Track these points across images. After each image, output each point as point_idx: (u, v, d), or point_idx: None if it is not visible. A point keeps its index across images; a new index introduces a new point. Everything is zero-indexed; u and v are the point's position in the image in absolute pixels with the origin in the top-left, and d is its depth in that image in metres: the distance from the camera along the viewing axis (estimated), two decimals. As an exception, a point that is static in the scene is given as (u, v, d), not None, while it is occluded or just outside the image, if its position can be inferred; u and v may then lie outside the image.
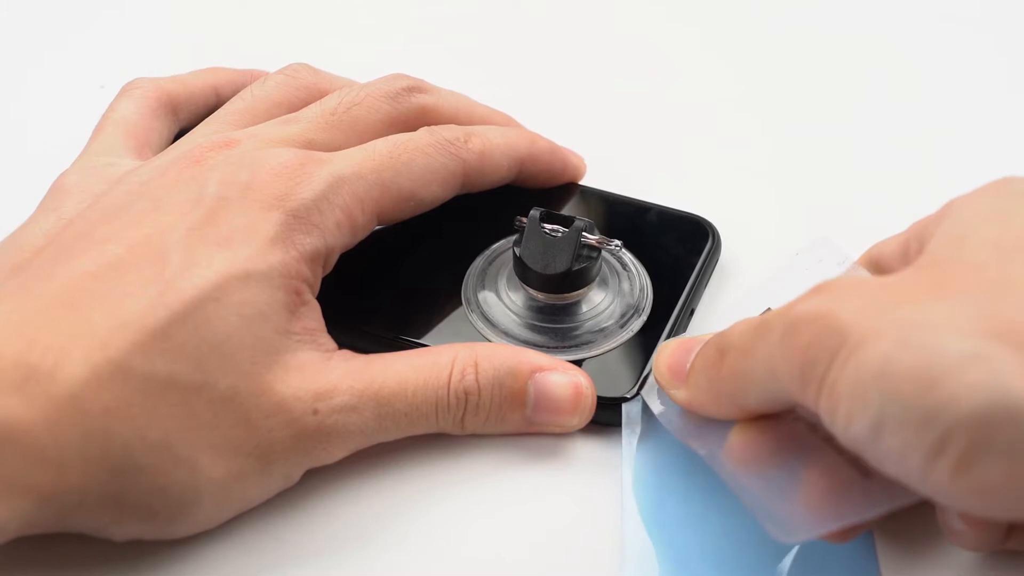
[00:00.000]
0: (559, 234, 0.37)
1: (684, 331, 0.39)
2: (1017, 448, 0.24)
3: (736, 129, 0.48)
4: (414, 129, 0.37)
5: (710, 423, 0.32)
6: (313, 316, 0.33)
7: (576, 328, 0.38)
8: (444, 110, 0.38)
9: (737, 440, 0.31)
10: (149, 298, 0.30)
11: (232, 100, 0.38)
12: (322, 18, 0.55)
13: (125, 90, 0.40)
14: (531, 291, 0.38)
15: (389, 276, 0.39)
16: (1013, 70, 0.50)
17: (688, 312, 0.39)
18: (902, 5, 0.54)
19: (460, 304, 0.38)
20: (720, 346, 0.31)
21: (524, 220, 0.38)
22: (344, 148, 0.36)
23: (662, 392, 0.34)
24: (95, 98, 0.50)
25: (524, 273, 0.38)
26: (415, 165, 0.35)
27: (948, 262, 0.28)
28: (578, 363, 0.37)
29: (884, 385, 0.25)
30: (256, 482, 0.32)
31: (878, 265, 0.34)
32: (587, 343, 0.37)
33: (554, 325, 0.38)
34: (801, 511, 0.29)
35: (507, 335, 0.37)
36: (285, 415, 0.31)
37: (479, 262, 0.39)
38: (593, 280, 0.38)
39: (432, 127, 0.37)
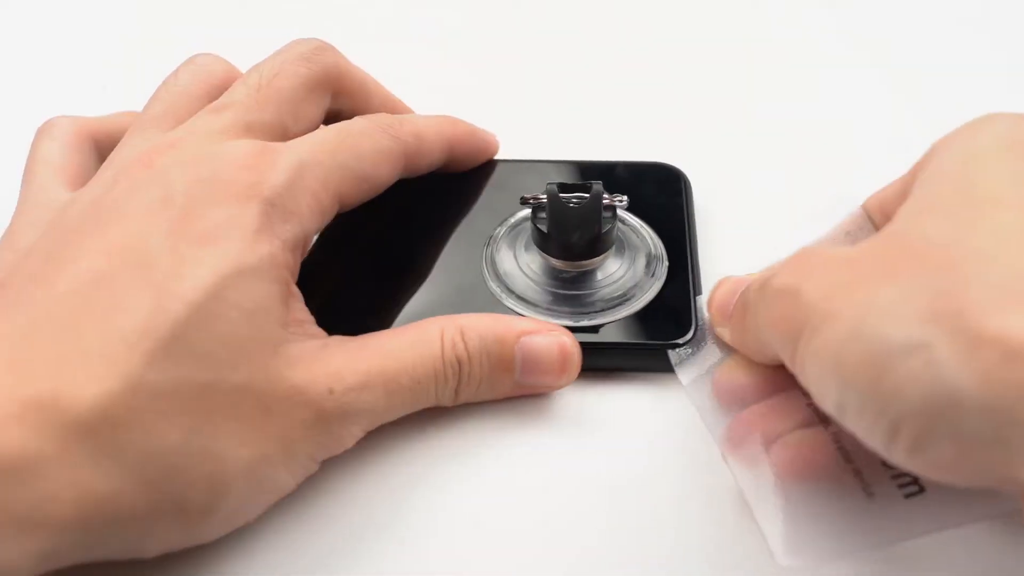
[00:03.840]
0: (578, 202, 0.37)
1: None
2: (962, 433, 0.24)
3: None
4: (333, 92, 0.38)
5: (721, 412, 0.33)
6: (300, 305, 0.33)
7: (611, 288, 0.38)
8: (353, 71, 0.39)
9: (720, 375, 0.33)
10: (146, 307, 0.30)
11: (148, 105, 0.37)
12: (322, 17, 0.55)
13: (42, 131, 0.39)
14: (557, 263, 0.39)
15: (396, 277, 0.39)
16: (1013, 70, 0.50)
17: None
18: (902, 5, 0.54)
19: (486, 290, 0.38)
20: (743, 298, 0.33)
21: (533, 198, 0.38)
22: (278, 123, 0.36)
23: (689, 367, 0.34)
24: (96, 99, 0.51)
25: (552, 246, 0.38)
26: (364, 148, 0.36)
27: (905, 236, 0.28)
28: (629, 320, 0.37)
29: (839, 374, 0.26)
30: (282, 464, 0.31)
31: (879, 211, 0.35)
32: (627, 299, 0.38)
33: (590, 291, 0.38)
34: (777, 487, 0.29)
35: (553, 318, 0.37)
36: (302, 397, 0.31)
37: (486, 253, 0.40)
38: (614, 240, 0.39)
39: (365, 115, 0.38)
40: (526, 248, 0.40)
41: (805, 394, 0.30)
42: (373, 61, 0.43)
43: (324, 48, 0.38)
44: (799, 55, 0.52)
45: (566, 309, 0.38)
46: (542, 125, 0.48)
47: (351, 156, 0.35)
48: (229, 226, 0.32)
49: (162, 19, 0.55)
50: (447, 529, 0.33)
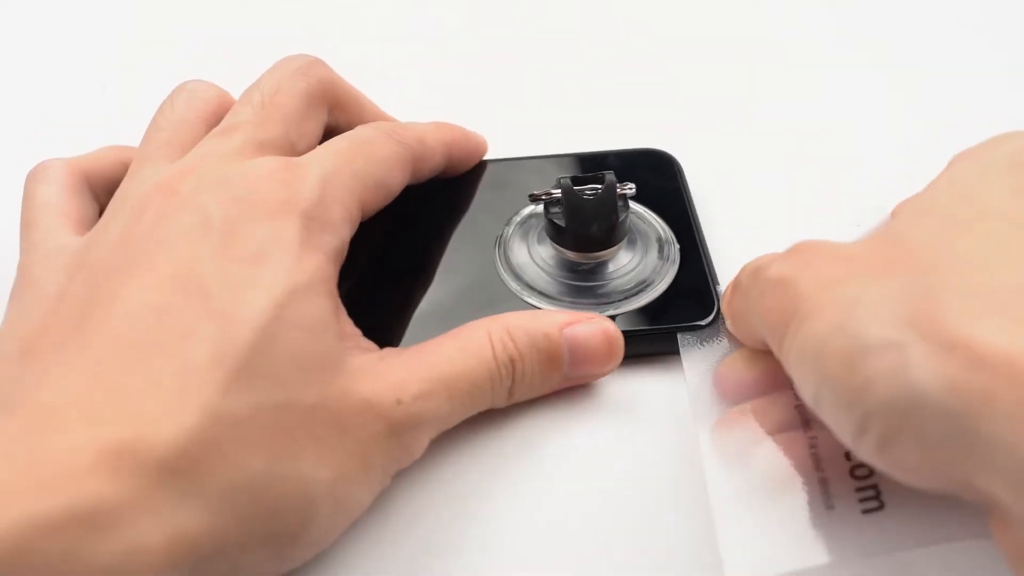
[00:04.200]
0: (592, 193, 0.37)
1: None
2: (926, 435, 0.25)
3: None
4: (329, 106, 0.38)
5: (714, 405, 0.33)
6: (347, 317, 0.33)
7: (629, 275, 0.39)
8: (346, 84, 0.39)
9: (723, 367, 0.33)
10: (211, 335, 0.29)
11: (148, 136, 0.36)
12: (321, 17, 0.55)
13: (35, 176, 0.37)
14: (573, 256, 0.39)
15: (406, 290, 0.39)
16: (1013, 70, 0.50)
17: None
18: (902, 4, 0.54)
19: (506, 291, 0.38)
20: (736, 280, 0.33)
21: (545, 194, 0.38)
22: (286, 139, 0.35)
23: (695, 356, 0.35)
24: (96, 99, 0.51)
25: (568, 240, 0.38)
26: (376, 155, 0.35)
27: (900, 236, 0.28)
28: (652, 305, 0.38)
29: (819, 364, 0.27)
30: (362, 480, 0.31)
31: None
32: (647, 284, 0.38)
33: (608, 280, 0.38)
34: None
35: (579, 308, 0.37)
36: (373, 411, 0.31)
37: (499, 255, 0.40)
38: (628, 228, 0.39)
39: (368, 124, 0.38)
40: (539, 243, 0.40)
41: (797, 396, 0.30)
42: (370, 61, 0.43)
43: (317, 62, 0.38)
44: (799, 55, 0.52)
45: (587, 301, 0.38)
46: (541, 123, 0.48)
47: (368, 163, 0.35)
48: (274, 243, 0.31)
49: (162, 19, 0.55)
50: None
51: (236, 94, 0.50)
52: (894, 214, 0.35)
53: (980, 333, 0.24)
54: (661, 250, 0.39)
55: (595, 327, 0.35)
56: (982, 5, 0.54)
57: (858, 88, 0.50)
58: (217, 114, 0.37)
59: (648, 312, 0.37)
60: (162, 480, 0.27)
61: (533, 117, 0.49)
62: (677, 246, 0.39)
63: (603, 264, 0.39)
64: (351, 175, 0.34)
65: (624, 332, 0.36)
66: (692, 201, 0.42)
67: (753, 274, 0.31)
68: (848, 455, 0.29)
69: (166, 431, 0.27)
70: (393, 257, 0.39)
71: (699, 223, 0.41)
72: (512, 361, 0.34)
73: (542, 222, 0.40)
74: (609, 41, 0.54)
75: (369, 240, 0.39)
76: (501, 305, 0.38)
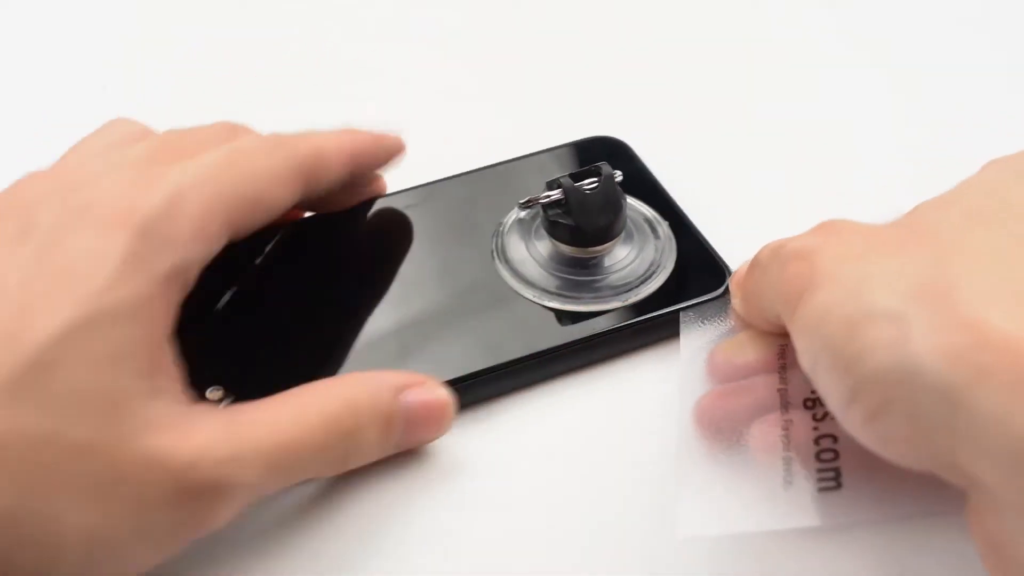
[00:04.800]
0: (592, 187, 0.38)
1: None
2: (917, 408, 0.25)
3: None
4: None
5: (700, 383, 0.34)
6: (170, 355, 0.30)
7: (639, 260, 0.39)
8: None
9: (718, 349, 0.33)
10: None
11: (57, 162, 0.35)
12: (321, 18, 0.55)
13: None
14: (582, 251, 0.39)
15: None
16: (1013, 70, 0.50)
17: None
18: (901, 4, 0.54)
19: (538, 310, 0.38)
20: (754, 260, 0.33)
21: (536, 200, 0.38)
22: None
23: (694, 334, 0.35)
24: (96, 99, 0.51)
25: (578, 236, 0.38)
26: (254, 169, 0.33)
27: (924, 223, 0.29)
28: (670, 284, 0.38)
29: (822, 329, 0.27)
30: (133, 539, 0.28)
31: None
32: (659, 266, 0.39)
33: (622, 268, 0.39)
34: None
35: (602, 302, 0.38)
36: (160, 467, 0.28)
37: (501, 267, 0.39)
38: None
39: (253, 134, 0.36)
40: (539, 246, 0.39)
41: (782, 380, 0.32)
42: (369, 61, 0.43)
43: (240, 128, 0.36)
44: (798, 55, 0.52)
45: (610, 292, 0.38)
46: (541, 119, 0.48)
47: (241, 177, 0.32)
48: (92, 259, 0.29)
49: (162, 19, 0.55)
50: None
51: (237, 94, 0.51)
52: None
53: (986, 316, 0.24)
54: (654, 230, 0.40)
55: (429, 393, 0.33)
56: (982, 5, 0.54)
57: (858, 88, 0.50)
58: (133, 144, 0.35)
59: (664, 294, 0.38)
60: None
61: (538, 113, 0.49)
62: (666, 223, 0.40)
63: (610, 254, 0.39)
64: (215, 190, 0.31)
65: (654, 318, 0.37)
66: (659, 180, 0.42)
67: (775, 250, 0.31)
68: (817, 440, 0.30)
69: None
70: (390, 291, 0.39)
71: (674, 199, 0.41)
72: (348, 433, 0.31)
73: (530, 229, 0.40)
74: (599, 39, 0.54)
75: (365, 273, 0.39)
76: (519, 313, 0.38)
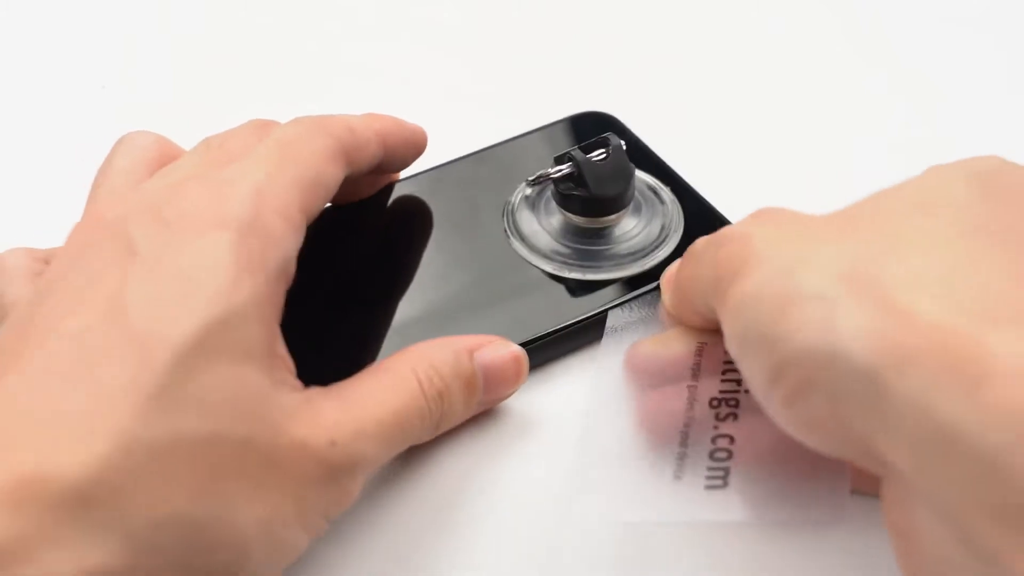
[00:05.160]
0: (601, 157, 0.39)
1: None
2: (835, 392, 0.25)
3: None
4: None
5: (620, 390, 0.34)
6: (282, 349, 0.31)
7: (653, 225, 0.40)
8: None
9: (640, 344, 0.34)
10: (129, 359, 0.27)
11: (91, 193, 0.35)
12: (321, 18, 0.55)
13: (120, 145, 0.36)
14: (597, 221, 0.40)
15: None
16: (1013, 70, 0.50)
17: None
18: (902, 4, 0.54)
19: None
20: (688, 251, 0.33)
21: (546, 175, 0.39)
22: None
23: (611, 339, 0.36)
24: (96, 98, 0.51)
25: (593, 207, 0.39)
26: (305, 153, 0.33)
27: (858, 214, 0.29)
28: (681, 246, 0.39)
29: (750, 308, 0.27)
30: (298, 523, 0.29)
31: None
32: (671, 231, 0.40)
33: (634, 237, 0.40)
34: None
35: (622, 268, 0.39)
36: (308, 451, 0.29)
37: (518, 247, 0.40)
38: None
39: (288, 121, 0.36)
40: (558, 224, 0.40)
41: (694, 377, 0.33)
42: (369, 59, 0.43)
43: (271, 123, 0.36)
44: (799, 55, 0.52)
45: (628, 258, 0.39)
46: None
47: (299, 164, 0.33)
48: (205, 264, 0.29)
49: (162, 19, 0.55)
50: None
51: (237, 93, 0.51)
52: None
53: (913, 301, 0.24)
54: (658, 196, 0.41)
55: (501, 347, 0.35)
56: (983, 6, 0.54)
57: (858, 89, 0.50)
58: (159, 160, 0.35)
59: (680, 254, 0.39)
60: (71, 512, 0.25)
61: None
62: (668, 188, 0.41)
63: (621, 222, 0.40)
64: (286, 179, 0.32)
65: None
66: (653, 150, 0.43)
67: (709, 239, 0.32)
68: (714, 439, 0.31)
69: (72, 460, 0.25)
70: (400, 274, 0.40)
71: (670, 166, 0.42)
72: (440, 396, 0.33)
73: (539, 204, 0.41)
74: (610, 40, 0.54)
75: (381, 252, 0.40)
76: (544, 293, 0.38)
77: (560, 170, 0.39)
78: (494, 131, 0.45)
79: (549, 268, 0.39)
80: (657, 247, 0.39)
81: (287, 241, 0.31)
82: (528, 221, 0.40)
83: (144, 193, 0.32)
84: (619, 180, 0.39)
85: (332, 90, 0.50)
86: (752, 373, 0.27)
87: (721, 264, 0.29)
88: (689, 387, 0.32)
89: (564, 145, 0.43)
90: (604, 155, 0.39)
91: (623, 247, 0.40)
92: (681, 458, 0.31)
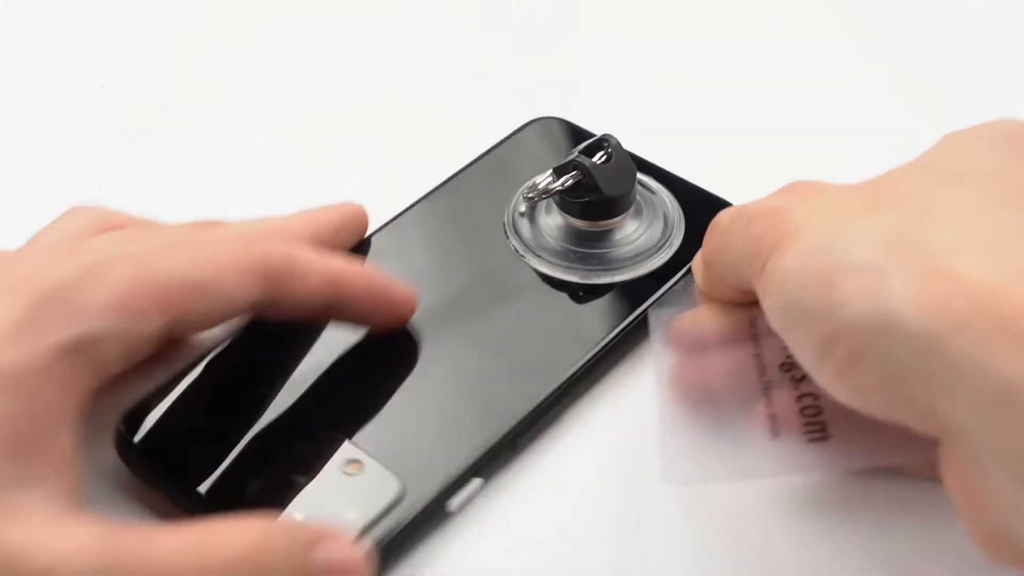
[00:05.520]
0: (604, 158, 0.39)
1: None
2: (890, 358, 0.25)
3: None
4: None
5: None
6: (63, 439, 0.27)
7: (660, 221, 0.40)
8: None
9: (682, 317, 0.34)
10: None
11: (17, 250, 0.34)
12: (320, 16, 0.55)
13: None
14: (606, 223, 0.40)
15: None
16: (1013, 70, 0.50)
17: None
18: (902, 4, 0.54)
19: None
20: (712, 227, 0.33)
21: (555, 185, 0.39)
22: None
23: (658, 323, 0.35)
24: (96, 98, 0.51)
25: (603, 209, 0.39)
26: (203, 253, 0.31)
27: (895, 182, 0.30)
28: (689, 230, 0.40)
29: (795, 281, 0.28)
30: None
31: None
32: (676, 218, 0.40)
33: (644, 232, 0.40)
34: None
35: (630, 273, 0.39)
36: (8, 564, 0.24)
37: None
38: None
39: (214, 223, 0.34)
40: (564, 232, 0.40)
41: (756, 347, 0.32)
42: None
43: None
44: (799, 55, 0.52)
45: (650, 250, 0.39)
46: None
47: (183, 261, 0.30)
48: None
49: (161, 18, 0.55)
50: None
51: (237, 93, 0.51)
52: None
53: (962, 265, 0.25)
54: (646, 187, 0.41)
55: (343, 551, 0.28)
56: (983, 6, 0.54)
57: (859, 89, 0.50)
58: (96, 230, 0.33)
59: (696, 236, 0.38)
60: None
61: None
62: (649, 177, 0.41)
63: (628, 219, 0.40)
64: (151, 265, 0.29)
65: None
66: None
67: (737, 212, 0.32)
68: (799, 399, 0.31)
69: None
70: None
71: (646, 159, 0.42)
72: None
73: (535, 218, 0.40)
74: (609, 40, 0.54)
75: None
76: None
77: (566, 180, 0.39)
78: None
79: (575, 278, 0.38)
80: (673, 232, 0.40)
81: (103, 320, 0.28)
82: (537, 234, 0.40)
83: (11, 253, 0.31)
84: (627, 177, 0.39)
85: (331, 88, 0.50)
86: (800, 345, 0.28)
87: (756, 239, 0.30)
88: (755, 356, 0.32)
89: (532, 156, 0.42)
90: (605, 156, 0.39)
91: (640, 241, 0.40)
92: (772, 419, 0.31)
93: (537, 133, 0.44)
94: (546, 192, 0.39)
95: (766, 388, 0.32)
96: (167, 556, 0.25)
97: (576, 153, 0.39)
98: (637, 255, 0.39)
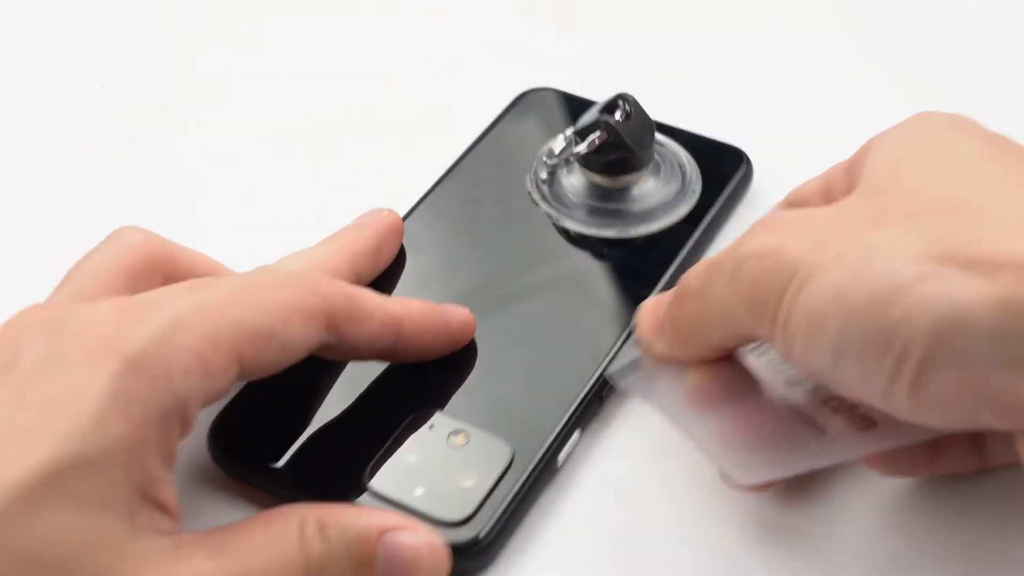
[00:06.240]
0: (623, 116, 0.40)
1: None
2: (969, 356, 0.25)
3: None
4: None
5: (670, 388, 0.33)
6: (162, 494, 0.28)
7: (683, 163, 0.43)
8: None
9: (695, 381, 0.32)
10: None
11: (57, 287, 0.33)
12: (320, 15, 0.55)
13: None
14: (632, 176, 0.41)
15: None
16: (1013, 70, 0.50)
17: None
18: (902, 4, 0.54)
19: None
20: (680, 291, 0.32)
21: (581, 148, 0.40)
22: None
23: (637, 383, 0.35)
24: (96, 98, 0.51)
25: (630, 163, 0.41)
26: (269, 301, 0.31)
27: (890, 190, 0.29)
28: (705, 175, 0.42)
29: (840, 314, 0.26)
30: None
31: (800, 205, 0.35)
32: (690, 163, 0.42)
33: (663, 189, 0.42)
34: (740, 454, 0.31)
35: (677, 205, 0.41)
36: None
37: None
38: None
39: (268, 267, 0.35)
40: (593, 191, 0.41)
41: (751, 385, 0.32)
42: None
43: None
44: (799, 55, 0.52)
45: (671, 205, 0.41)
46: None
47: (250, 309, 0.30)
48: (75, 393, 0.27)
49: (161, 18, 0.55)
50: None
51: (236, 93, 0.51)
52: (785, 204, 0.36)
53: (1012, 245, 0.25)
54: (658, 143, 0.42)
55: (419, 538, 0.30)
56: (983, 6, 0.54)
57: (859, 89, 0.50)
58: (143, 261, 0.34)
59: (715, 181, 0.42)
60: None
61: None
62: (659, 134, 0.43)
63: (647, 169, 0.42)
64: (221, 320, 0.29)
65: (728, 195, 0.41)
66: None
67: (709, 268, 0.30)
68: (825, 401, 0.31)
69: None
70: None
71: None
72: (321, 562, 0.29)
73: (561, 181, 0.42)
74: (610, 39, 0.54)
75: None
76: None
77: (593, 141, 0.40)
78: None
79: (613, 232, 0.40)
80: (693, 176, 0.42)
81: (187, 383, 0.28)
82: (565, 197, 0.41)
83: (67, 305, 0.31)
84: (648, 131, 0.41)
85: (331, 88, 0.50)
86: (862, 375, 0.27)
87: (755, 286, 0.28)
88: (768, 398, 0.32)
89: (533, 125, 0.44)
90: (625, 114, 0.40)
91: (661, 195, 0.41)
92: (810, 420, 0.31)
93: (530, 104, 0.46)
94: (573, 155, 0.41)
95: (788, 402, 0.31)
96: (256, 558, 0.28)
97: (597, 113, 0.40)
98: (665, 203, 0.41)
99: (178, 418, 0.28)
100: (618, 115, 0.40)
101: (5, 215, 0.44)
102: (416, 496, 0.32)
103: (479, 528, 0.31)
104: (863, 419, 0.30)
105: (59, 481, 0.26)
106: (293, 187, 0.45)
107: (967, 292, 0.25)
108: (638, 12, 0.53)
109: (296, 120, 0.48)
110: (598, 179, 0.41)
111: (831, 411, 0.31)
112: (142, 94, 0.50)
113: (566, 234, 0.40)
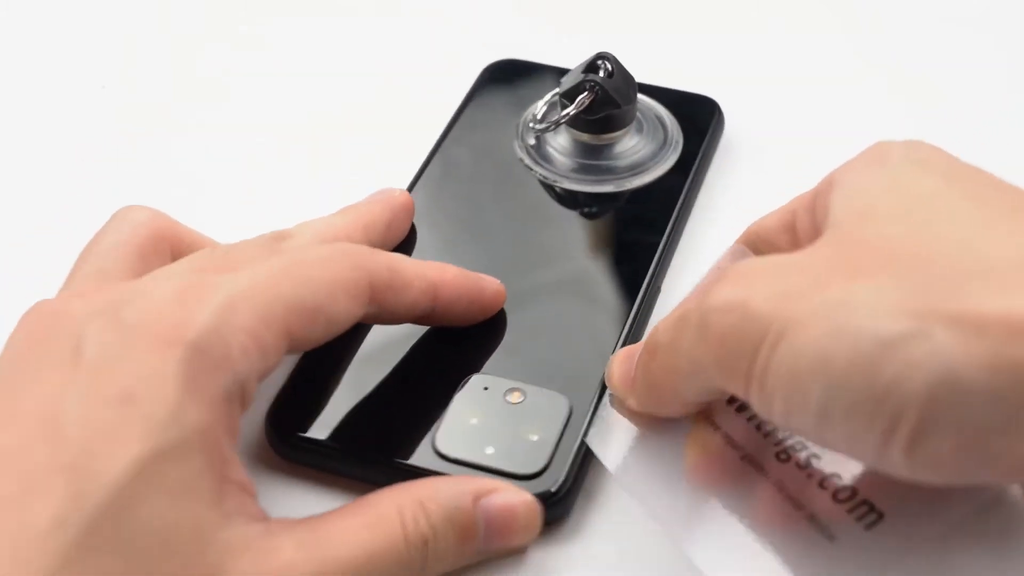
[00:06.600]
0: (605, 74, 0.42)
1: None
2: (964, 420, 0.24)
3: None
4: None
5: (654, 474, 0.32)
6: (238, 475, 0.29)
7: (665, 118, 0.44)
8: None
9: (692, 458, 0.31)
10: (58, 492, 0.26)
11: (73, 269, 0.34)
12: (320, 14, 0.55)
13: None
14: (612, 137, 0.43)
15: None
16: (1013, 70, 0.50)
17: None
18: (902, 4, 0.54)
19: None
20: (649, 345, 0.31)
21: (570, 109, 0.42)
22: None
23: (609, 446, 0.33)
24: (96, 98, 0.51)
25: (617, 120, 0.42)
26: (316, 277, 0.31)
27: (859, 239, 0.27)
28: (685, 126, 0.44)
29: (824, 376, 0.25)
30: None
31: (761, 241, 0.34)
32: (668, 116, 0.45)
33: (649, 143, 0.43)
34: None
35: (664, 156, 0.43)
36: None
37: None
38: None
39: (324, 241, 0.35)
40: (586, 150, 0.43)
41: (733, 448, 0.30)
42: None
43: (284, 235, 0.35)
44: (798, 56, 0.52)
45: (659, 156, 0.43)
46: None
47: (299, 286, 0.31)
48: (149, 383, 0.28)
49: (161, 18, 0.55)
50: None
51: (237, 93, 0.51)
52: (744, 241, 0.34)
53: (1012, 305, 0.24)
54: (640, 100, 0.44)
55: (512, 497, 0.31)
56: (983, 6, 0.54)
57: (859, 89, 0.50)
58: (152, 239, 0.34)
59: (696, 131, 0.44)
60: None
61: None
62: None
63: (633, 128, 0.44)
64: (272, 298, 0.30)
65: (704, 150, 0.43)
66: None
67: (676, 323, 0.29)
68: (822, 484, 0.29)
69: None
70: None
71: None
72: (425, 541, 0.30)
73: (549, 142, 0.43)
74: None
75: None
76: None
77: (583, 101, 0.41)
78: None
79: (610, 188, 0.42)
80: (676, 130, 0.44)
81: (245, 363, 0.29)
82: (556, 159, 0.43)
83: (113, 289, 0.31)
84: (632, 87, 0.43)
85: (331, 88, 0.50)
86: (852, 440, 0.25)
87: (723, 341, 0.27)
88: (742, 459, 0.30)
89: (505, 94, 0.46)
90: (606, 72, 0.42)
91: (647, 148, 0.43)
92: (812, 520, 0.28)
93: (497, 75, 0.47)
94: (563, 116, 0.42)
95: (780, 489, 0.29)
96: (357, 541, 0.29)
97: (580, 74, 0.41)
98: (653, 155, 0.43)
99: (239, 397, 0.29)
100: (601, 74, 0.42)
101: (5, 215, 0.44)
102: (488, 455, 0.33)
103: (555, 478, 0.32)
104: (869, 510, 0.28)
105: (151, 474, 0.26)
106: (293, 187, 0.45)
107: (958, 354, 0.24)
108: (638, 13, 0.54)
109: (296, 120, 0.48)
110: (586, 138, 0.43)
111: (831, 499, 0.29)
112: (142, 94, 0.50)
113: (565, 194, 0.42)
